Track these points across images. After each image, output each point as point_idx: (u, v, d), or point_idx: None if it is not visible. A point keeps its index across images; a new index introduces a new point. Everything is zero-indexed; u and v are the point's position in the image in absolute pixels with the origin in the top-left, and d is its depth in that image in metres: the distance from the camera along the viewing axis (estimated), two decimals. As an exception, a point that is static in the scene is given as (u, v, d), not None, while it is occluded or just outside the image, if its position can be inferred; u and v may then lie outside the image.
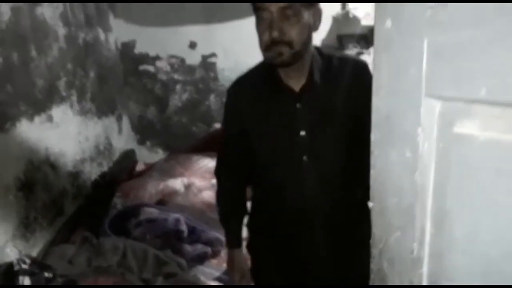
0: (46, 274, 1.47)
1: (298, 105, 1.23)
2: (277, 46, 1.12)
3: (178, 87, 3.25)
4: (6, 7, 1.83)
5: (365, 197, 1.13)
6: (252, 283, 1.46)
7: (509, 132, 0.38)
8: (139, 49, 3.19)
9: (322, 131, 1.23)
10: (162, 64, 3.21)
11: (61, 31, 2.32)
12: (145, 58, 3.20)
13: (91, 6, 2.76)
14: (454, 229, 0.45)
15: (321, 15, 1.19)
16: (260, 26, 1.15)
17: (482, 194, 0.42)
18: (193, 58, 3.16)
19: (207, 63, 3.17)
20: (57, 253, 1.82)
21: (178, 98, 3.28)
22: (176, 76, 3.23)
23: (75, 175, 2.33)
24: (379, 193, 0.54)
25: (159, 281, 1.84)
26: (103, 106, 2.85)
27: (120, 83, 3.22)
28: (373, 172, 0.54)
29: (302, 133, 1.23)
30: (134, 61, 3.21)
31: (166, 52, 3.17)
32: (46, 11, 2.17)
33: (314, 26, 1.19)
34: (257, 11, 1.14)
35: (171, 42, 3.14)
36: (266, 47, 1.14)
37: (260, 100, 1.27)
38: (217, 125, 3.26)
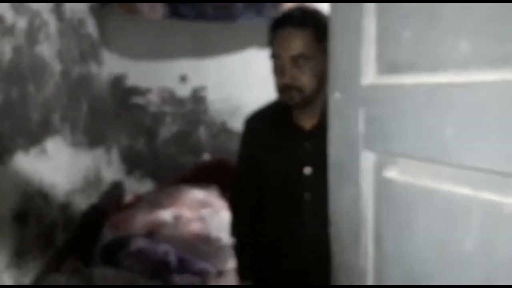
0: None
1: (307, 144, 1.28)
2: (289, 91, 1.19)
3: (168, 119, 3.36)
4: (8, 46, 1.95)
5: None
6: None
7: (420, 177, 0.50)
8: (130, 81, 3.29)
9: (326, 172, 1.26)
10: (152, 97, 3.32)
11: (57, 67, 2.43)
12: (136, 91, 3.31)
13: (86, 40, 2.89)
14: (387, 247, 0.56)
15: None
16: (275, 71, 1.23)
17: (403, 222, 0.53)
18: (184, 91, 3.29)
19: (197, 96, 3.30)
20: (48, 282, 1.87)
21: (168, 130, 3.38)
22: (166, 108, 3.35)
23: (65, 206, 2.39)
24: (336, 220, 0.65)
25: None
26: (94, 138, 2.93)
27: (110, 115, 3.31)
28: (331, 205, 0.65)
29: (307, 171, 1.28)
30: (125, 93, 3.30)
31: (157, 84, 3.30)
32: (44, 48, 2.29)
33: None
34: (272, 58, 1.22)
35: (162, 75, 3.26)
36: (279, 90, 1.22)
37: (272, 135, 1.33)
38: (206, 156, 3.38)
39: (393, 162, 0.52)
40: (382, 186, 0.54)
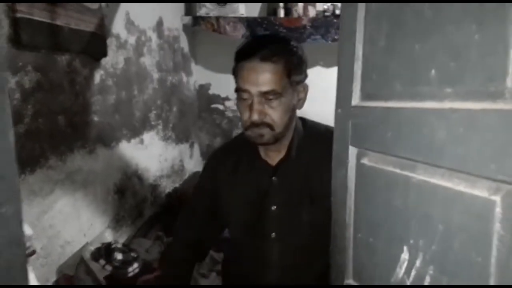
0: (132, 254, 2.01)
1: (273, 179, 1.19)
2: (257, 128, 1.07)
3: (240, 124, 3.81)
4: (121, 58, 2.51)
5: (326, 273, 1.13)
6: None
7: (379, 163, 0.82)
8: (212, 90, 3.80)
9: (292, 208, 1.18)
10: (230, 104, 3.80)
11: (156, 75, 2.98)
12: (217, 98, 3.81)
13: (179, 54, 3.44)
14: (361, 208, 0.88)
15: (307, 92, 1.16)
16: (241, 106, 1.10)
17: (369, 191, 0.85)
18: (256, 100, 3.74)
19: (267, 105, 3.72)
20: (137, 243, 2.38)
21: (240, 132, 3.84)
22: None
23: (154, 187, 2.92)
24: (334, 190, 0.97)
25: (212, 276, 2.31)
26: (180, 135, 3.47)
27: (195, 117, 3.86)
28: (333, 181, 0.98)
29: (273, 208, 1.19)
30: (208, 99, 3.83)
31: (234, 94, 3.78)
32: (147, 60, 2.84)
33: (298, 104, 1.15)
34: (238, 91, 1.09)
35: (239, 86, 3.75)
36: (246, 127, 1.10)
37: (237, 172, 1.24)
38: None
39: (365, 154, 0.85)
40: (359, 169, 0.86)
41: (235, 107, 3.79)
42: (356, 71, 0.85)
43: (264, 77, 1.03)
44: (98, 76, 2.25)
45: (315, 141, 1.17)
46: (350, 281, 0.90)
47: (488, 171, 0.52)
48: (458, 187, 0.58)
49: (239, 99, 1.09)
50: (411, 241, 0.69)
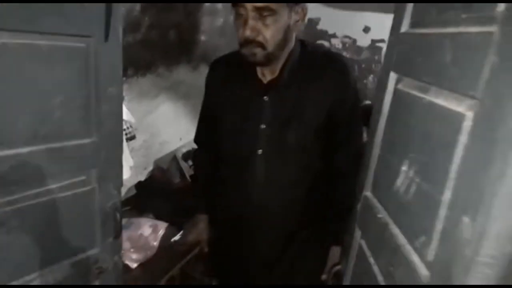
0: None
1: (265, 98, 1.19)
2: (251, 45, 1.08)
3: (345, 63, 3.80)
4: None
5: (314, 199, 1.28)
6: (204, 251, 1.48)
7: (411, 88, 0.87)
8: (321, 26, 3.82)
9: (280, 128, 1.19)
10: (336, 42, 3.79)
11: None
12: (324, 35, 3.82)
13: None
14: (384, 148, 0.96)
15: (306, 14, 1.15)
16: (236, 22, 1.09)
17: (400, 121, 0.91)
18: (364, 41, 3.65)
19: (375, 47, 3.63)
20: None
21: (343, 73, 3.83)
22: (345, 54, 3.78)
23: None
24: (373, 118, 1.04)
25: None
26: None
27: (299, 51, 3.94)
28: (374, 104, 1.04)
29: (262, 126, 1.20)
30: (314, 35, 3.84)
31: (342, 32, 3.74)
32: None
33: (295, 26, 1.13)
34: (234, 6, 1.08)
35: (348, 24, 3.67)
36: (240, 44, 1.10)
37: (233, 85, 1.25)
38: (367, 102, 3.74)
39: (402, 80, 0.90)
40: (395, 93, 0.93)
41: (340, 46, 3.77)
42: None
43: None
44: (209, -3, 2.43)
45: (311, 64, 1.18)
46: (368, 193, 1.00)
47: (464, 89, 0.57)
48: (450, 105, 0.63)
49: (236, 14, 1.08)
50: (411, 155, 0.76)
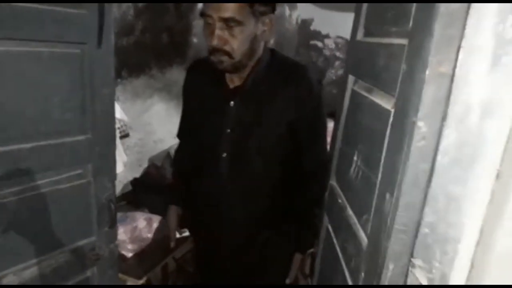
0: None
1: (231, 103, 1.23)
2: (218, 53, 1.11)
3: (337, 63, 3.90)
4: None
5: (276, 204, 1.31)
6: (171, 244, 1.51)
7: (362, 89, 1.00)
8: (314, 26, 3.89)
9: (243, 132, 1.23)
10: (329, 42, 3.87)
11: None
12: (317, 35, 3.89)
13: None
14: (343, 141, 1.09)
15: (274, 25, 1.17)
16: (204, 31, 1.13)
17: (354, 117, 1.04)
18: (355, 41, 3.76)
19: (365, 47, 3.73)
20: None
21: (334, 73, 3.93)
22: (338, 54, 3.89)
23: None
24: (337, 116, 1.17)
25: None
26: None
27: (293, 51, 4.03)
28: (337, 104, 1.17)
29: (228, 130, 1.24)
30: (307, 35, 3.93)
31: (335, 32, 3.81)
32: None
33: (263, 36, 1.16)
34: (202, 16, 1.11)
35: (341, 25, 3.72)
36: (209, 51, 1.13)
37: (204, 89, 1.30)
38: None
39: (357, 82, 1.02)
40: (352, 94, 1.05)
41: (333, 46, 3.87)
42: (363, 10, 1.01)
43: (226, 4, 1.05)
44: (200, 1, 2.54)
45: (278, 72, 1.21)
46: (333, 182, 1.13)
47: (390, 89, 0.70)
48: (383, 104, 0.76)
49: (205, 23, 1.11)
50: (359, 146, 0.89)
